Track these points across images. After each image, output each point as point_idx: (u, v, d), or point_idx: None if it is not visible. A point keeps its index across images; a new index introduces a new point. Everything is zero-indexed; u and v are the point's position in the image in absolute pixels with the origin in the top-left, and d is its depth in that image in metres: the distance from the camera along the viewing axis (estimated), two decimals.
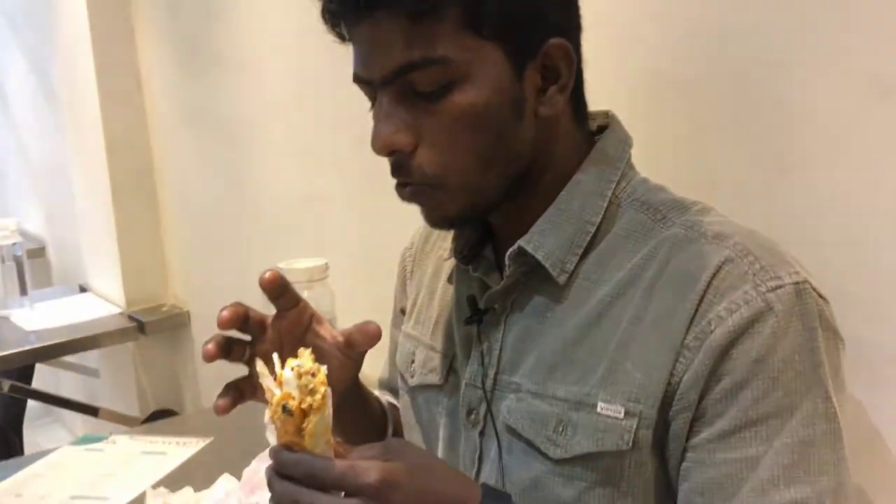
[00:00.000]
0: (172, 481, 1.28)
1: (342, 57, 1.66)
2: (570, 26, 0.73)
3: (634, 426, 0.67)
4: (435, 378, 0.84)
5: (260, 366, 0.63)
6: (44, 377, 2.80)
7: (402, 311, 0.96)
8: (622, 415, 0.67)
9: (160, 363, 2.53)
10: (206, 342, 0.72)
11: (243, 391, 0.75)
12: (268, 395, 0.61)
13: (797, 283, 0.65)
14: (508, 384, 0.76)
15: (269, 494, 1.20)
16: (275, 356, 0.63)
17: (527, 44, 0.69)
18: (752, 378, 0.63)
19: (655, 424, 0.67)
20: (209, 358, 0.72)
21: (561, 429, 0.70)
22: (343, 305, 1.51)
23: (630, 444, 0.67)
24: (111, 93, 2.36)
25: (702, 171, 0.91)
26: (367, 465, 0.60)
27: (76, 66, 2.44)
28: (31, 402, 2.60)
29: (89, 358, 2.79)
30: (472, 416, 0.78)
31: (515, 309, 0.77)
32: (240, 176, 2.07)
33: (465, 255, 0.80)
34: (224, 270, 2.23)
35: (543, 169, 0.74)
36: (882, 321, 0.75)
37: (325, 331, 0.78)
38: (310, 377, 0.61)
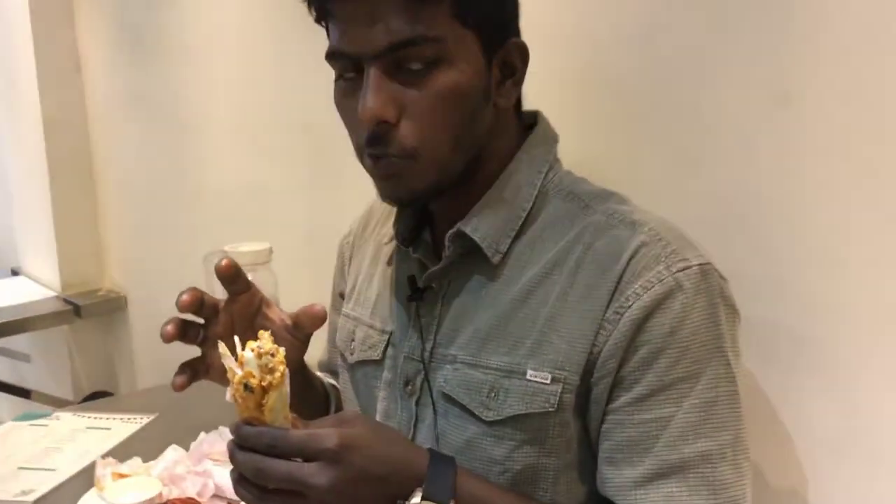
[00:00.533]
0: (119, 453, 1.30)
1: (287, 46, 1.73)
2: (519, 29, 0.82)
3: (559, 391, 0.74)
4: (374, 354, 0.89)
5: (222, 347, 0.67)
6: None
7: (341, 296, 1.02)
8: (549, 381, 0.74)
9: (95, 347, 2.53)
10: (165, 324, 0.76)
11: (197, 370, 0.79)
12: (229, 375, 0.66)
13: (702, 264, 0.73)
14: (445, 356, 0.82)
15: (214, 464, 1.25)
16: (236, 339, 0.68)
17: (497, 38, 0.77)
18: (666, 348, 0.71)
19: (577, 389, 0.74)
20: (168, 338, 0.76)
21: (493, 394, 0.77)
22: (286, 289, 1.57)
23: (556, 406, 0.74)
24: (49, 74, 2.36)
25: (622, 166, 1.01)
26: (325, 432, 0.66)
27: (13, 45, 2.42)
28: None
29: (19, 342, 2.76)
30: (409, 387, 0.84)
31: (452, 287, 0.83)
32: (182, 162, 2.09)
33: (406, 237, 0.86)
34: (164, 255, 2.25)
35: (488, 156, 0.81)
36: (774, 301, 0.86)
37: (273, 314, 0.83)
38: (269, 357, 0.65)
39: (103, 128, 2.41)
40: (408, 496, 0.69)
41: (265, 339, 0.67)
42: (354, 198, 1.61)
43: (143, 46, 2.15)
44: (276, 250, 1.58)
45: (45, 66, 2.35)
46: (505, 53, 0.78)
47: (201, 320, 0.80)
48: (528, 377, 0.75)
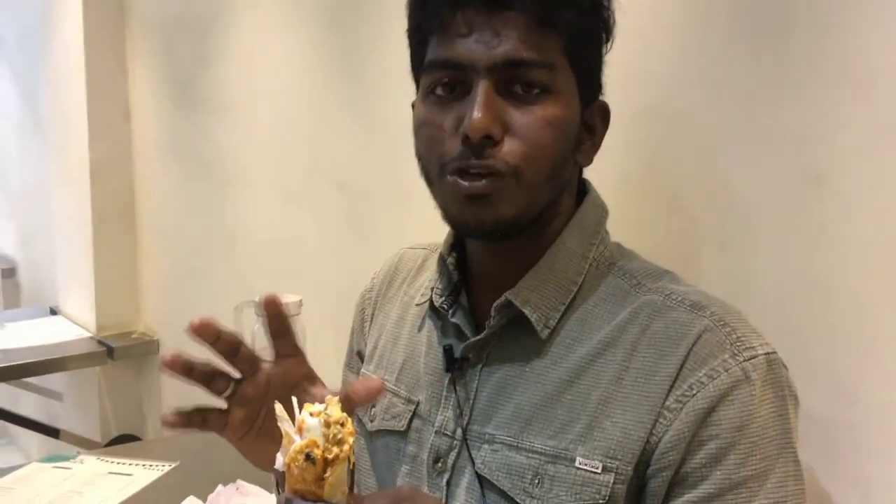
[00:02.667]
0: (138, 502, 1.32)
1: (324, 107, 1.77)
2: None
3: (611, 481, 0.69)
4: (398, 425, 0.84)
5: (279, 409, 0.62)
6: (2, 397, 2.80)
7: (360, 355, 0.97)
8: (600, 470, 0.69)
9: (126, 389, 2.56)
10: (169, 352, 0.71)
11: (208, 420, 0.73)
12: (285, 441, 0.60)
13: (768, 353, 0.70)
14: (481, 434, 0.77)
15: None
16: (294, 401, 0.62)
17: (590, 93, 0.77)
18: (736, 443, 0.67)
19: (630, 480, 0.69)
20: (167, 363, 0.71)
21: (538, 481, 0.72)
22: (313, 343, 1.58)
23: (607, 498, 0.69)
24: (99, 122, 2.44)
25: (647, 239, 1.01)
26: None
27: (67, 94, 2.51)
28: None
29: (53, 381, 2.81)
30: (439, 465, 0.79)
31: (491, 360, 0.78)
32: (220, 213, 2.14)
33: (444, 300, 0.82)
34: (197, 302, 2.28)
35: (553, 214, 0.78)
36: (803, 385, 0.84)
37: (317, 391, 0.75)
38: (339, 427, 0.59)
39: (147, 176, 2.48)
40: None
41: (333, 405, 0.61)
42: (385, 254, 1.63)
43: (189, 100, 2.23)
44: (306, 304, 1.60)
45: (96, 114, 2.43)
46: (591, 112, 0.78)
47: (237, 374, 0.74)
48: (577, 464, 0.71)
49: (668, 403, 0.69)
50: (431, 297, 0.83)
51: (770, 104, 0.87)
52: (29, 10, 2.82)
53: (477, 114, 0.71)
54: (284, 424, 0.61)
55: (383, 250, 1.57)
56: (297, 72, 1.79)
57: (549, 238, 0.78)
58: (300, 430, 0.60)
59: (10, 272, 3.31)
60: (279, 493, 0.78)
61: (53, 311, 2.76)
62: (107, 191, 2.47)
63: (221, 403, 0.75)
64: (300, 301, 1.60)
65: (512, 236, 0.75)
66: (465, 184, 0.72)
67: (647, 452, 0.69)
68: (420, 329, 0.86)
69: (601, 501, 0.69)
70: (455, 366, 0.79)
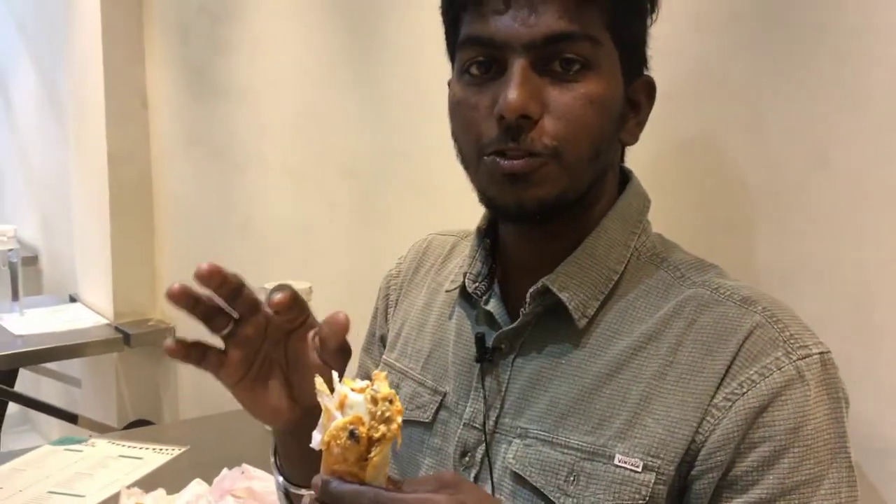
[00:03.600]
0: (146, 484, 1.33)
1: (335, 95, 1.77)
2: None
3: (652, 481, 0.66)
4: (423, 415, 0.81)
5: (319, 382, 0.58)
6: (25, 384, 2.84)
7: (382, 340, 0.94)
8: (640, 468, 0.66)
9: (142, 375, 2.59)
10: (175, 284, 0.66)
11: (206, 357, 0.67)
12: (324, 417, 0.56)
13: (822, 353, 0.67)
14: (513, 428, 0.74)
15: (235, 500, 1.25)
16: (334, 374, 0.58)
17: (634, 67, 0.73)
18: (790, 447, 0.64)
19: (671, 481, 0.66)
20: (171, 294, 0.66)
21: (573, 478, 0.69)
22: None
23: (647, 498, 0.66)
24: (117, 110, 2.45)
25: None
26: (438, 499, 0.56)
27: (86, 82, 2.53)
28: (9, 410, 2.64)
29: (72, 368, 2.84)
30: (467, 459, 0.76)
31: (525, 350, 0.75)
32: (233, 199, 2.15)
33: (478, 285, 0.79)
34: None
35: (595, 196, 0.75)
36: None
37: (312, 350, 0.69)
38: (387, 404, 0.55)
39: (164, 163, 2.50)
40: None
41: (381, 381, 0.56)
42: (395, 241, 1.63)
43: (204, 88, 2.23)
44: (316, 290, 1.61)
45: (114, 103, 2.44)
46: (635, 88, 0.74)
47: (235, 314, 0.67)
48: (616, 462, 0.67)
49: (715, 401, 0.66)
50: (464, 282, 0.80)
51: (775, 89, 0.86)
52: None
53: (512, 93, 0.67)
54: (324, 399, 0.57)
55: (392, 236, 1.58)
56: (308, 59, 1.79)
57: (589, 225, 0.75)
58: (341, 407, 0.56)
59: (33, 260, 3.34)
60: (280, 475, 0.76)
61: (73, 299, 2.79)
62: (124, 179, 2.49)
63: (220, 343, 0.69)
64: (310, 288, 1.61)
65: (553, 219, 0.72)
66: (505, 163, 0.69)
67: (691, 452, 0.66)
68: (450, 317, 0.83)
69: (641, 502, 0.66)
70: (486, 356, 0.76)
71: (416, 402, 0.82)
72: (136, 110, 2.48)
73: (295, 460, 0.74)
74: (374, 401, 0.55)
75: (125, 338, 2.44)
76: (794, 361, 0.65)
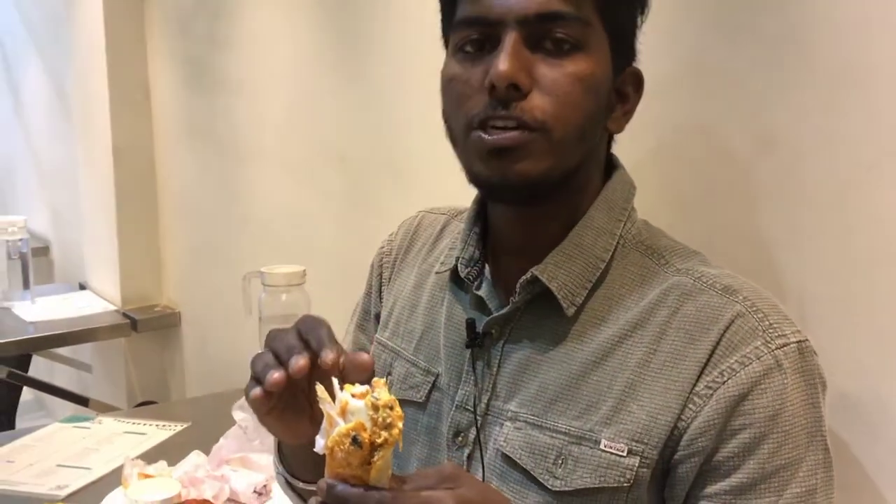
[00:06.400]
0: (150, 457, 1.41)
1: (327, 87, 1.84)
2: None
3: (636, 465, 0.69)
4: (416, 395, 0.83)
5: (321, 391, 0.59)
6: (38, 370, 2.94)
7: (376, 317, 0.95)
8: (625, 453, 0.69)
9: (149, 359, 2.68)
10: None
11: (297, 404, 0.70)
12: (326, 423, 0.58)
13: (800, 341, 0.69)
14: (503, 411, 0.76)
15: (232, 469, 1.33)
16: (334, 381, 0.59)
17: (622, 57, 0.75)
18: (769, 433, 0.67)
19: (655, 465, 0.69)
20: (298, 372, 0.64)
21: (561, 461, 0.72)
22: (317, 310, 1.66)
23: (631, 481, 0.69)
24: (121, 103, 2.53)
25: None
26: (440, 496, 0.58)
27: (90, 76, 2.60)
28: (24, 397, 2.73)
29: (83, 354, 2.94)
30: (460, 439, 0.79)
31: (514, 336, 0.77)
32: (233, 189, 2.22)
33: (470, 270, 0.81)
34: (213, 276, 2.38)
35: (577, 187, 0.76)
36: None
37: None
38: (388, 410, 0.57)
39: (166, 154, 2.58)
40: None
41: (381, 389, 0.58)
42: (385, 226, 1.70)
43: (204, 80, 2.31)
44: (310, 273, 1.68)
45: (117, 98, 2.51)
46: (623, 78, 0.76)
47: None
48: (601, 446, 0.70)
49: (697, 389, 0.68)
50: (456, 266, 0.82)
51: (723, 67, 0.92)
52: None
53: (503, 62, 0.69)
54: (326, 406, 0.58)
55: (380, 220, 1.65)
56: (304, 52, 1.87)
57: (576, 213, 0.77)
58: (343, 413, 0.57)
59: (44, 250, 3.43)
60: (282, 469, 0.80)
61: (82, 287, 2.88)
62: (129, 170, 2.56)
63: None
64: (304, 271, 1.68)
65: (539, 198, 0.74)
66: (491, 137, 0.70)
67: (674, 438, 0.69)
68: (441, 299, 0.85)
69: (625, 484, 0.69)
70: (477, 341, 0.78)
71: (409, 382, 0.85)
72: (140, 103, 2.55)
73: (299, 459, 0.79)
74: (376, 408, 0.57)
75: (132, 323, 2.52)
76: (773, 350, 0.68)
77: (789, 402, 0.67)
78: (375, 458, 0.57)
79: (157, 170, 2.61)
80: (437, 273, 0.87)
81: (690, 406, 0.68)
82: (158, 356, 2.67)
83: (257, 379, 0.66)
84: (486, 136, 0.71)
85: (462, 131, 0.73)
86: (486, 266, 0.81)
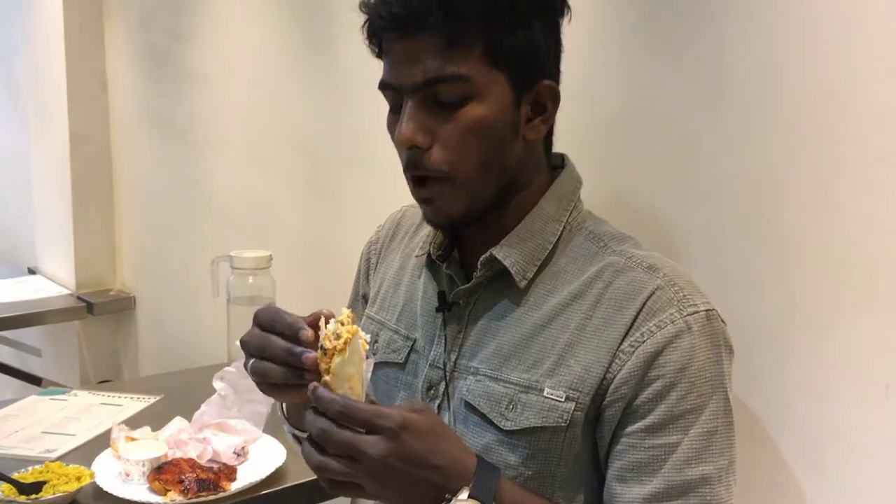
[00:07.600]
0: (132, 424, 1.49)
1: (291, 77, 1.96)
2: (558, 74, 0.91)
3: (572, 409, 0.83)
4: (397, 357, 0.97)
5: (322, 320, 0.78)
6: None
7: (364, 298, 1.10)
8: (563, 399, 0.83)
9: (104, 341, 2.74)
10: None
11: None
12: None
13: (708, 310, 0.83)
14: (467, 367, 0.90)
15: (213, 433, 1.45)
16: (322, 319, 0.78)
17: (527, 80, 0.86)
18: (678, 383, 0.81)
19: (587, 409, 0.83)
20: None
21: (512, 406, 0.85)
22: (282, 292, 1.78)
23: (567, 422, 0.83)
24: (78, 91, 2.58)
25: None
26: (391, 411, 0.73)
27: (46, 63, 2.64)
28: None
29: (31, 337, 2.97)
30: (432, 392, 0.93)
31: (478, 306, 0.91)
32: (194, 176, 2.31)
33: (440, 253, 0.94)
34: (171, 260, 2.46)
35: (519, 187, 0.90)
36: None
37: None
38: (339, 325, 0.75)
39: (124, 143, 2.64)
40: (454, 492, 0.75)
41: (344, 314, 0.77)
42: (346, 213, 1.83)
43: (164, 72, 2.38)
44: (276, 258, 1.80)
45: (75, 85, 2.57)
46: (536, 94, 0.87)
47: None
48: (545, 394, 0.84)
49: (623, 347, 0.82)
50: (430, 250, 0.95)
51: (645, 75, 1.09)
52: None
53: (401, 127, 0.84)
54: (321, 333, 0.77)
55: (342, 208, 1.78)
56: (266, 45, 1.96)
57: (525, 206, 0.90)
58: (327, 338, 0.76)
59: None
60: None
61: (32, 271, 2.91)
62: (85, 158, 2.61)
63: None
64: (270, 256, 1.80)
65: (474, 223, 0.88)
66: (415, 188, 0.87)
67: (603, 386, 0.82)
68: (419, 277, 0.99)
69: (563, 425, 0.83)
70: (446, 308, 0.92)
71: (391, 346, 0.99)
72: (97, 92, 2.61)
73: (301, 415, 0.87)
74: (339, 324, 0.76)
75: (88, 306, 2.58)
76: (685, 317, 0.82)
77: (696, 358, 0.81)
78: (332, 363, 0.74)
79: (114, 157, 2.67)
80: (416, 257, 1.02)
81: (616, 361, 0.82)
82: (112, 338, 2.73)
83: (283, 363, 0.79)
84: (413, 186, 0.87)
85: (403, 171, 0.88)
86: (455, 250, 0.96)
